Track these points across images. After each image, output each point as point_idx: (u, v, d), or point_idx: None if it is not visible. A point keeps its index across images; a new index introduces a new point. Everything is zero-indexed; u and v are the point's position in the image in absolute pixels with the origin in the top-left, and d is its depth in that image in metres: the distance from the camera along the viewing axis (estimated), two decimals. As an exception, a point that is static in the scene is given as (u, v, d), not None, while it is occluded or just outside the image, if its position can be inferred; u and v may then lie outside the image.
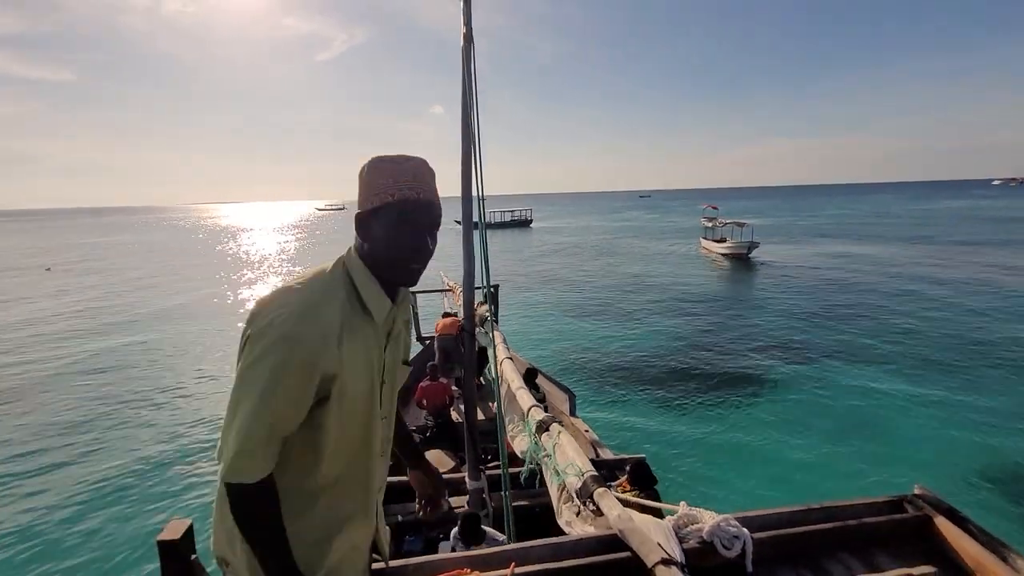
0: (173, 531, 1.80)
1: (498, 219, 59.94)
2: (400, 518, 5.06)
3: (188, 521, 1.80)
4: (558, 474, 2.35)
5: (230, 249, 48.93)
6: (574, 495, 2.13)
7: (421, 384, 7.19)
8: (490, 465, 5.40)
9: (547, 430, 2.75)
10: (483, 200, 3.54)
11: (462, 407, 7.70)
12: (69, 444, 9.27)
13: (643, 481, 3.84)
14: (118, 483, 8.04)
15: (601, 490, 1.91)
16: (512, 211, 63.45)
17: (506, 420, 3.76)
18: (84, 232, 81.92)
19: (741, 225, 30.49)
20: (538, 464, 2.77)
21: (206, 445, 9.09)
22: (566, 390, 6.83)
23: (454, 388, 7.74)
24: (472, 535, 4.00)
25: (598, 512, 1.87)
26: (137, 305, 22.09)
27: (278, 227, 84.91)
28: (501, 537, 4.00)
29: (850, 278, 22.30)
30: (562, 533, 2.09)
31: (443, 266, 18.30)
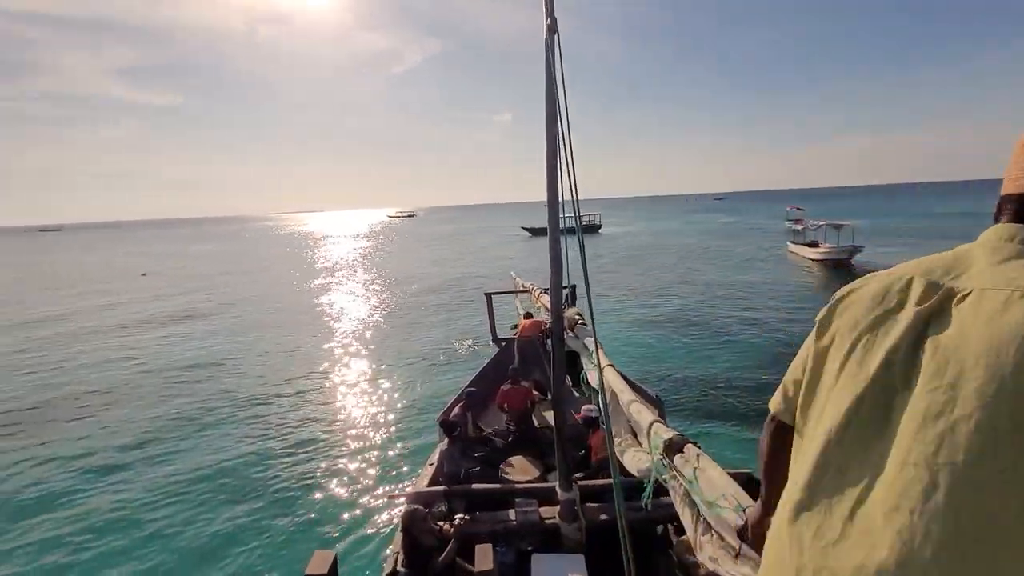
0: (320, 565, 2.01)
1: (565, 224, 59.08)
2: (492, 527, 4.78)
3: (332, 553, 1.67)
4: (703, 504, 2.09)
5: (310, 255, 51.87)
6: (730, 534, 1.87)
7: (502, 388, 7.04)
8: (576, 476, 5.03)
9: (681, 451, 2.50)
10: (578, 201, 3.31)
11: (544, 413, 7.44)
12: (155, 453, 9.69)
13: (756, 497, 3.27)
14: (218, 488, 8.25)
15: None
16: (580, 216, 62.68)
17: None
18: (181, 241, 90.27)
19: (838, 227, 27.64)
20: (661, 484, 2.59)
21: (311, 448, 9.19)
22: (654, 400, 6.15)
23: (535, 392, 7.49)
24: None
25: None
26: (217, 308, 23.57)
27: (353, 234, 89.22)
28: (572, 558, 3.83)
29: None
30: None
31: (507, 266, 17.99)
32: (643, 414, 3.11)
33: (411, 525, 4.15)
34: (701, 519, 2.17)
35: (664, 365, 12.37)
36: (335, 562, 1.63)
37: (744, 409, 9.66)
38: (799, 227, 32.60)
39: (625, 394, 3.68)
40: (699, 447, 2.47)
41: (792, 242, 32.16)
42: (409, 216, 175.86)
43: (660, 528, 4.92)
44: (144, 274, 37.98)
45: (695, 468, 2.29)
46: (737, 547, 1.84)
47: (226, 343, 16.74)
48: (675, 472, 2.46)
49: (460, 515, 4.67)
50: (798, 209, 46.24)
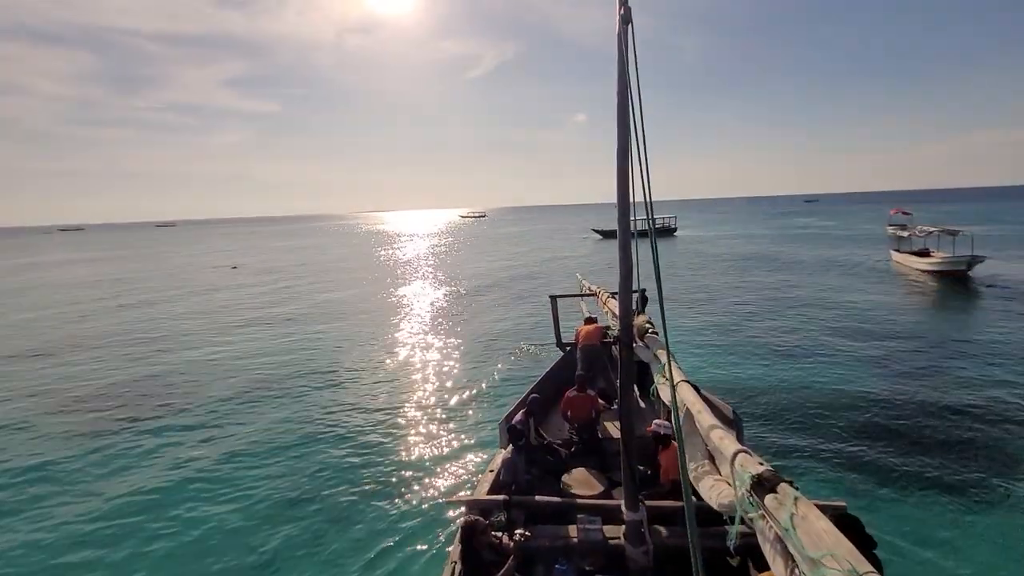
0: None
1: (638, 227, 57.30)
2: (553, 543, 4.61)
3: None
4: (803, 561, 1.83)
5: (384, 253, 54.30)
6: None
7: (567, 394, 6.80)
8: (643, 494, 4.72)
9: (773, 491, 2.16)
10: (651, 203, 3.11)
11: (605, 423, 7.06)
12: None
13: (858, 544, 2.79)
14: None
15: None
16: (654, 219, 60.43)
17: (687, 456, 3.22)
18: (272, 237, 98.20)
19: (953, 234, 24.43)
20: (747, 522, 2.34)
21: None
22: (731, 416, 5.61)
23: (600, 401, 7.15)
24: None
25: None
26: (296, 300, 25.01)
27: (426, 233, 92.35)
28: None
29: None
30: None
31: (577, 269, 17.51)
32: (725, 441, 2.82)
33: (470, 537, 3.98)
34: (797, 572, 1.90)
35: (742, 387, 11.30)
36: None
37: (834, 446, 8.49)
38: (904, 234, 29.25)
39: (704, 416, 3.36)
40: (796, 487, 2.15)
41: (897, 250, 28.88)
42: (480, 216, 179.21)
43: (736, 560, 4.46)
44: (235, 267, 41.53)
45: (792, 513, 1.98)
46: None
47: (297, 336, 17.62)
48: (766, 513, 2.16)
49: (520, 531, 4.45)
50: (904, 213, 41.71)
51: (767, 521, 2.17)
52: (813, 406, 9.82)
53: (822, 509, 2.09)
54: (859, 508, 6.43)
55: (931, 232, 25.98)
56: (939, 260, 23.55)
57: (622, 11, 3.21)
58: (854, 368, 11.92)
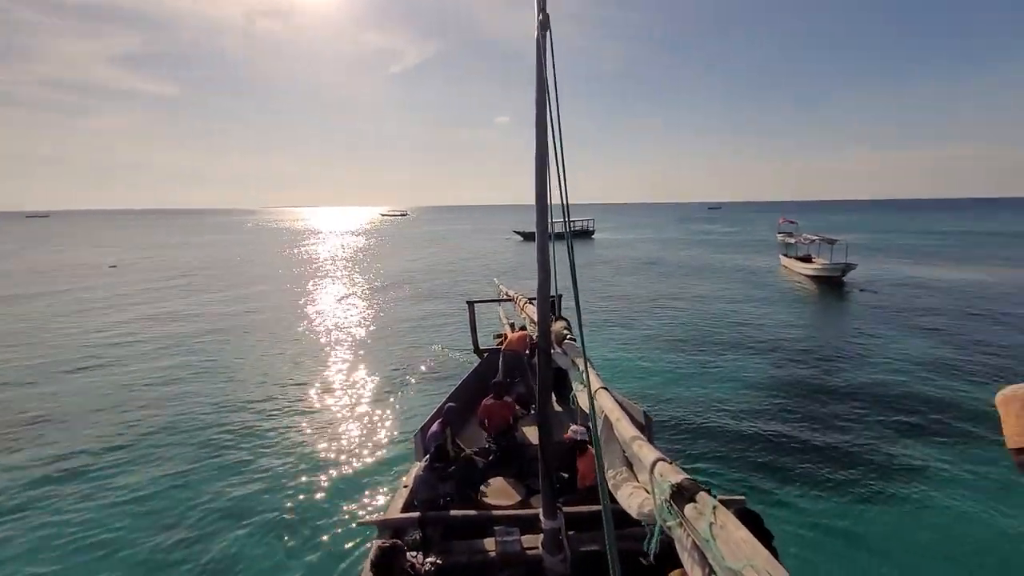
0: None
1: (557, 229, 58.86)
2: (470, 559, 4.54)
3: None
4: (722, 571, 1.85)
5: (296, 252, 51.23)
6: None
7: (484, 402, 6.70)
8: (561, 500, 4.75)
9: (693, 500, 2.22)
10: (567, 206, 3.14)
11: (524, 429, 7.09)
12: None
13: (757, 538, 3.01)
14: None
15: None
16: (573, 221, 62.19)
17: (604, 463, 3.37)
18: (169, 232, 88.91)
19: (831, 242, 27.58)
20: (664, 531, 2.39)
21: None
22: (643, 417, 5.83)
23: (518, 407, 7.17)
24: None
25: None
26: (187, 307, 22.93)
27: (344, 231, 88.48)
28: None
29: (990, 315, 17.98)
30: None
31: (498, 276, 17.47)
32: (644, 450, 2.87)
33: (389, 563, 3.75)
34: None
35: (650, 381, 11.99)
36: None
37: (730, 430, 9.31)
38: (791, 240, 32.50)
39: (622, 423, 3.41)
40: (715, 496, 2.21)
41: (785, 255, 32.04)
42: (402, 215, 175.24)
43: (648, 561, 4.61)
44: (113, 266, 36.84)
45: (711, 523, 2.03)
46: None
47: (181, 347, 15.97)
48: (684, 523, 2.21)
49: (431, 560, 4.29)
50: (790, 222, 46.38)
51: (685, 530, 2.22)
52: (714, 405, 10.52)
53: (724, 504, 2.17)
54: (756, 502, 6.99)
55: (814, 240, 29.23)
56: (819, 266, 26.36)
57: (540, 17, 3.26)
58: (748, 367, 12.95)
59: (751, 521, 3.13)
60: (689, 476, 2.43)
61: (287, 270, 34.96)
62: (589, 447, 5.43)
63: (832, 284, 24.57)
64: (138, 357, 14.80)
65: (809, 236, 30.79)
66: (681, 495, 2.30)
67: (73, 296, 24.62)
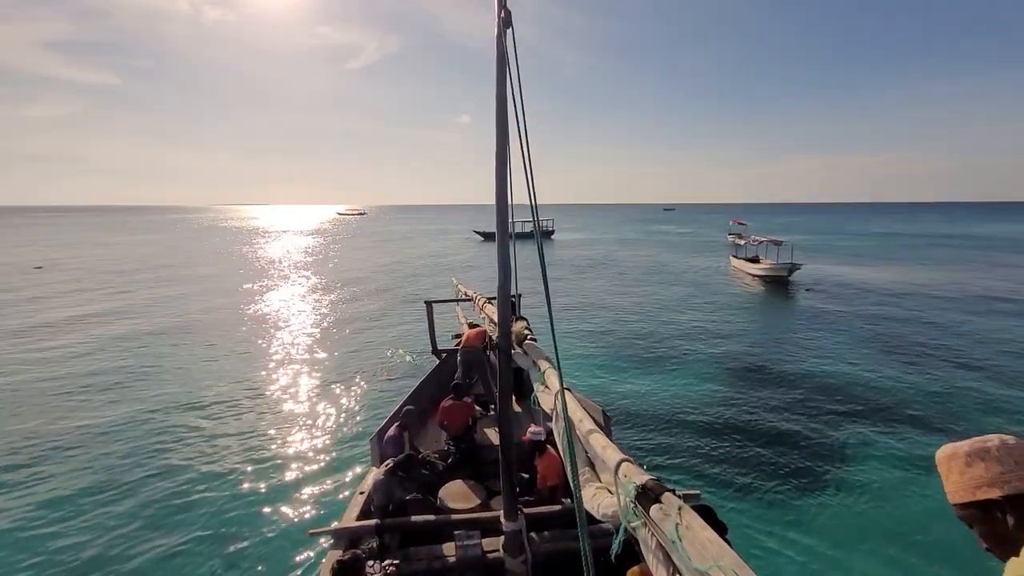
0: None
1: (517, 229, 59.12)
2: (430, 564, 4.50)
3: None
4: (689, 572, 1.88)
5: (246, 251, 49.13)
6: None
7: (443, 404, 6.62)
8: (521, 501, 4.78)
9: (658, 500, 2.22)
10: (536, 206, 3.13)
11: (486, 430, 7.06)
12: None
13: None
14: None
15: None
16: (532, 221, 62.44)
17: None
18: (106, 230, 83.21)
19: (778, 243, 28.87)
20: (628, 531, 2.40)
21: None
22: (602, 414, 5.93)
23: (477, 408, 7.16)
24: None
25: None
26: (123, 310, 21.61)
27: (299, 230, 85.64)
28: None
29: (918, 310, 19.49)
30: None
31: (459, 276, 17.31)
32: (608, 451, 2.84)
33: None
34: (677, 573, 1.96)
35: (606, 379, 12.21)
36: None
37: (684, 425, 9.64)
38: (741, 242, 33.79)
39: (585, 423, 3.43)
40: (680, 496, 2.20)
41: (735, 256, 33.29)
42: (360, 214, 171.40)
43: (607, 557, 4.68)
44: (39, 267, 34.19)
45: (677, 524, 2.02)
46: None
47: (121, 349, 15.06)
48: (649, 524, 2.20)
49: (388, 562, 4.18)
50: (740, 223, 48.19)
51: (649, 530, 2.21)
52: (668, 401, 10.81)
53: (682, 499, 2.19)
54: (710, 496, 7.21)
55: (761, 242, 30.50)
56: (767, 266, 27.41)
57: (502, 14, 3.22)
58: (700, 364, 13.38)
59: (705, 514, 3.21)
60: (654, 476, 2.42)
61: (234, 271, 33.44)
62: (548, 448, 5.45)
63: (779, 284, 25.67)
64: (62, 361, 13.80)
65: (757, 238, 32.11)
66: (646, 496, 2.30)
67: None
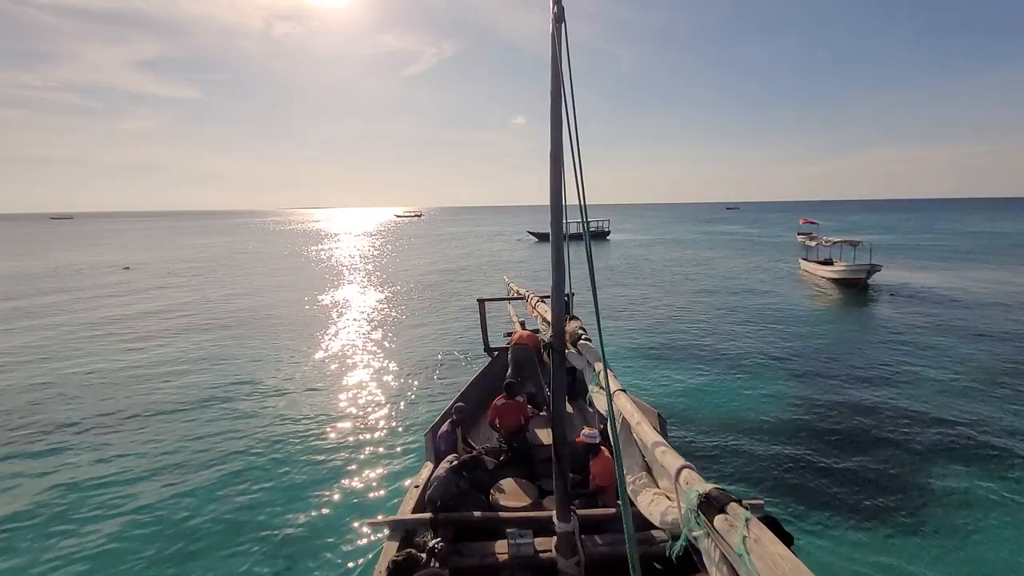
0: None
1: (572, 230, 58.60)
2: (482, 561, 4.52)
3: None
4: None
5: (316, 253, 51.65)
6: None
7: (495, 402, 6.62)
8: (575, 503, 4.72)
9: (723, 511, 2.10)
10: (585, 202, 3.10)
11: (538, 430, 6.97)
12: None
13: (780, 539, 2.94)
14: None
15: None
16: (588, 221, 61.40)
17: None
18: (187, 234, 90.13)
19: (854, 244, 26.81)
20: (689, 541, 2.29)
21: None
22: (656, 417, 5.71)
23: (529, 407, 7.12)
24: None
25: None
26: (197, 307, 23.11)
27: (358, 232, 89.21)
28: None
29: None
30: None
31: (511, 276, 17.26)
32: (668, 456, 2.75)
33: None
34: None
35: (663, 386, 11.66)
36: None
37: (746, 441, 8.89)
38: (812, 243, 31.62)
39: (642, 427, 3.31)
40: (746, 508, 2.07)
41: (804, 259, 31.23)
42: (416, 216, 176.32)
43: (663, 566, 4.50)
44: (127, 267, 37.22)
45: (744, 536, 1.91)
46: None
47: (190, 348, 15.94)
48: (713, 534, 2.11)
49: (438, 540, 4.19)
50: (810, 223, 45.23)
51: (712, 541, 2.10)
52: (729, 414, 10.13)
53: (747, 509, 2.03)
54: (773, 506, 6.75)
55: (835, 242, 28.38)
56: (841, 269, 25.45)
57: (555, 9, 3.23)
58: (767, 376, 12.41)
59: (770, 525, 3.01)
60: (717, 485, 2.30)
61: (301, 271, 35.29)
62: (602, 449, 5.31)
63: (856, 287, 23.74)
64: (140, 351, 15.03)
65: (830, 238, 29.95)
66: (710, 505, 2.19)
67: (83, 297, 25.12)
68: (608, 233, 62.35)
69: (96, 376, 13.03)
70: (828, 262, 28.04)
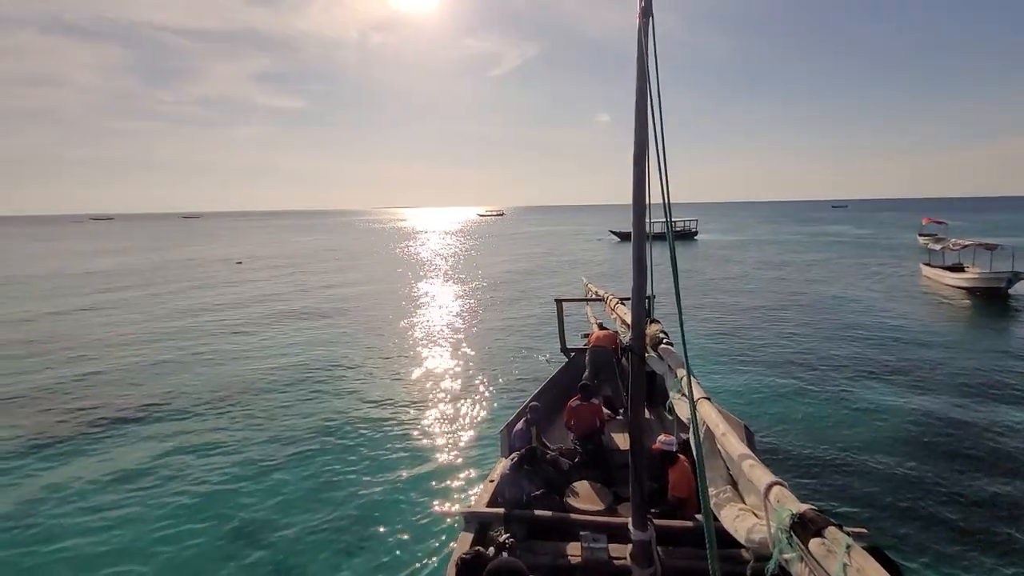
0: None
1: (657, 230, 56.44)
2: (555, 561, 4.45)
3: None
4: None
5: (403, 250, 54.48)
6: None
7: (570, 403, 6.54)
8: (652, 512, 4.48)
9: (819, 535, 1.95)
10: (669, 205, 2.99)
11: (614, 434, 6.77)
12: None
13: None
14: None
15: None
16: (673, 221, 58.60)
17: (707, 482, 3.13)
18: (292, 231, 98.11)
19: (991, 248, 23.23)
20: (783, 563, 2.16)
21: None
22: (744, 431, 5.33)
23: (605, 411, 6.94)
24: None
25: None
26: (293, 299, 24.98)
27: (446, 231, 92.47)
28: None
29: None
30: None
31: (591, 276, 16.89)
32: (757, 471, 2.61)
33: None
34: None
35: (754, 399, 10.70)
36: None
37: (851, 466, 7.86)
38: (937, 246, 27.77)
39: (729, 439, 3.12)
40: (848, 534, 1.91)
41: (927, 264, 27.56)
42: (498, 215, 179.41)
43: None
44: (240, 262, 41.05)
45: (846, 564, 1.78)
46: None
47: (294, 333, 17.28)
48: (806, 558, 1.98)
49: (508, 536, 4.18)
50: (937, 223, 39.79)
51: (806, 566, 1.98)
52: (831, 435, 9.07)
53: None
54: (880, 535, 6.01)
55: (966, 245, 24.68)
56: (974, 276, 22.30)
57: (642, 3, 3.18)
58: (879, 396, 10.93)
59: (876, 557, 2.67)
60: (813, 507, 2.13)
61: (391, 268, 37.28)
62: (680, 458, 5.06)
63: (995, 297, 20.59)
64: (245, 335, 16.62)
65: (960, 241, 26.05)
66: (804, 527, 2.03)
67: (204, 286, 28.39)
68: (695, 233, 59.38)
69: (208, 356, 14.69)
70: (957, 268, 24.65)
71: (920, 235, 43.20)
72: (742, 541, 2.78)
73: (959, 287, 22.78)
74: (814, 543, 1.93)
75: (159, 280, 30.78)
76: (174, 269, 36.72)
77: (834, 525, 1.97)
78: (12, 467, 8.38)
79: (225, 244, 64.77)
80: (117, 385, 12.28)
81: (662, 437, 5.23)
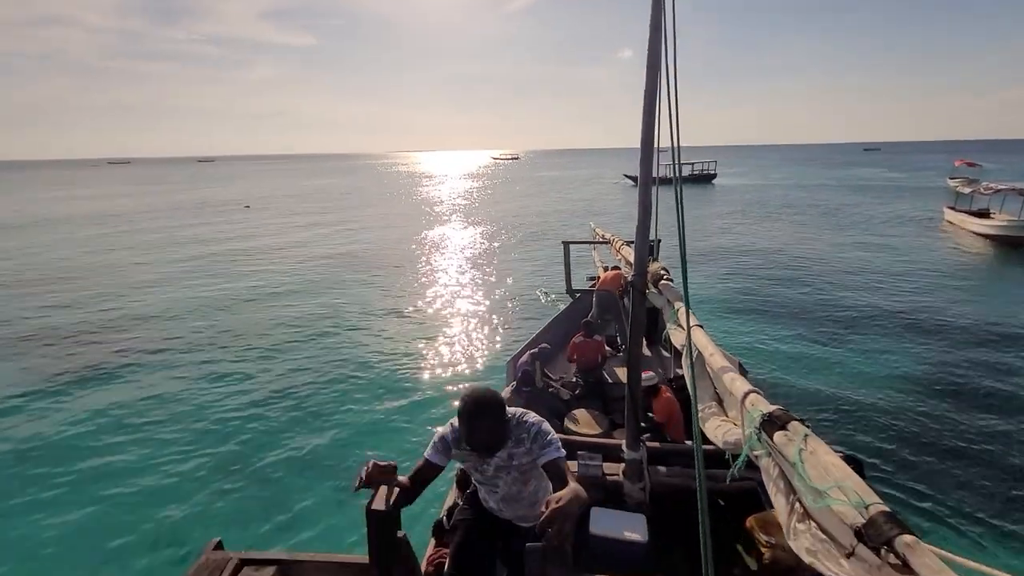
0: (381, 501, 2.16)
1: (669, 173, 54.67)
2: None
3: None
4: (807, 492, 1.85)
5: (416, 194, 54.30)
6: (841, 531, 1.68)
7: (574, 340, 6.93)
8: (645, 436, 4.88)
9: (783, 428, 2.16)
10: (678, 147, 2.84)
11: (614, 368, 7.12)
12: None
13: None
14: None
15: (910, 539, 1.41)
16: (691, 163, 56.75)
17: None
18: (303, 176, 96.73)
19: (1024, 193, 21.84)
20: (751, 458, 2.38)
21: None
22: (738, 368, 5.55)
23: (607, 348, 7.35)
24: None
25: (904, 569, 1.39)
26: (300, 244, 25.32)
27: (460, 175, 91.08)
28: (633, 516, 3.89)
29: None
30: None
31: (597, 221, 16.74)
32: (737, 383, 2.79)
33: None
34: (799, 506, 1.92)
35: (761, 354, 10.34)
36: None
37: (868, 426, 7.59)
38: (967, 190, 26.24)
39: (715, 358, 3.35)
40: (808, 425, 2.10)
41: (952, 207, 26.12)
42: (513, 159, 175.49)
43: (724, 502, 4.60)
44: (247, 206, 41.05)
45: (801, 449, 1.98)
46: (850, 547, 1.59)
47: (305, 277, 17.41)
48: (773, 450, 2.17)
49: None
50: (970, 165, 37.40)
51: (772, 459, 2.15)
52: (846, 393, 8.57)
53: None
54: (888, 485, 6.04)
55: (999, 190, 23.17)
56: (1001, 223, 21.10)
57: None
58: (896, 351, 10.24)
59: (850, 464, 2.96)
60: (782, 407, 2.30)
61: (403, 211, 37.33)
62: (661, 388, 5.45)
63: (1017, 247, 19.55)
64: (251, 277, 17.16)
65: (992, 184, 24.41)
66: (772, 424, 2.21)
67: (206, 230, 28.81)
68: (714, 176, 57.19)
69: (214, 296, 15.12)
70: (984, 213, 23.38)
71: (951, 178, 41.03)
72: (720, 445, 2.91)
73: (983, 234, 21.84)
74: (778, 435, 2.10)
75: (174, 224, 31.41)
76: (193, 210, 37.32)
77: (797, 420, 2.14)
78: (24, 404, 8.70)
79: (233, 189, 64.50)
80: (125, 322, 12.84)
81: (645, 373, 5.51)
